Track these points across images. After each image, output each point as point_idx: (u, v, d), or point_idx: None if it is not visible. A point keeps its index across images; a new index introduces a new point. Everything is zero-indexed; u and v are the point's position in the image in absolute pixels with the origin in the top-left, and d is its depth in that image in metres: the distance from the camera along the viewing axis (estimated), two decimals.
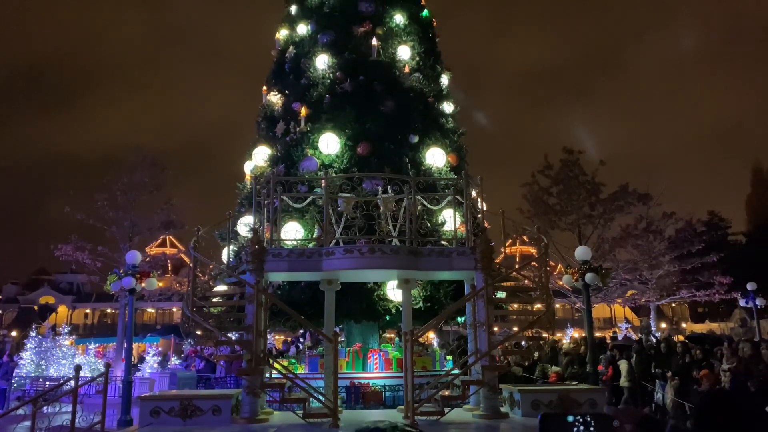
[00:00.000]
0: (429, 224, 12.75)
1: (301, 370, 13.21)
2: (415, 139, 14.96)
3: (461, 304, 10.68)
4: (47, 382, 20.59)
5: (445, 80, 17.10)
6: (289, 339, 23.13)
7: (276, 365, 10.22)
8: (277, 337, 26.79)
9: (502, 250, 13.34)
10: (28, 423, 10.73)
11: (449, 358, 15.00)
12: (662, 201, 27.03)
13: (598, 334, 23.08)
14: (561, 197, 25.98)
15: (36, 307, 55.11)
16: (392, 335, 20.59)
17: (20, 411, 13.58)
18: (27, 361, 21.92)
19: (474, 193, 12.86)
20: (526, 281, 12.56)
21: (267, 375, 9.90)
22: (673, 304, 44.19)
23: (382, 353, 13.74)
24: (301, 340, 22.38)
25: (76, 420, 9.47)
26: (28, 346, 22.78)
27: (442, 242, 11.92)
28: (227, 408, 9.06)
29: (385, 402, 12.41)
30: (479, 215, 11.93)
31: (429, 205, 12.03)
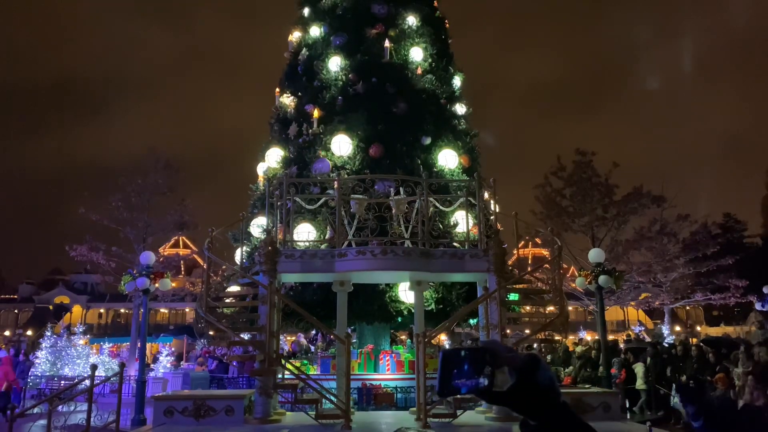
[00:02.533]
0: (441, 226, 12.72)
1: (313, 371, 13.25)
2: (428, 140, 14.95)
3: (474, 307, 10.66)
4: (62, 381, 20.83)
5: (457, 82, 17.08)
6: (304, 339, 23.19)
7: (288, 366, 10.25)
8: (288, 338, 26.90)
9: (515, 252, 13.29)
10: (43, 422, 10.84)
11: None
12: (677, 203, 26.78)
13: (611, 337, 22.91)
14: (574, 199, 25.80)
15: (51, 307, 55.71)
16: (404, 337, 20.58)
17: (36, 410, 13.74)
18: (42, 360, 22.19)
19: (486, 195, 12.83)
20: (539, 283, 12.51)
21: (279, 375, 9.94)
22: (688, 307, 43.78)
23: (393, 355, 13.74)
24: (303, 341, 22.48)
25: (91, 419, 9.55)
26: (43, 345, 23.05)
27: (455, 244, 11.88)
28: (240, 408, 9.10)
29: (396, 404, 12.39)
30: (492, 217, 11.89)
31: (441, 207, 12.01)
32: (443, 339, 26.49)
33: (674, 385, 11.58)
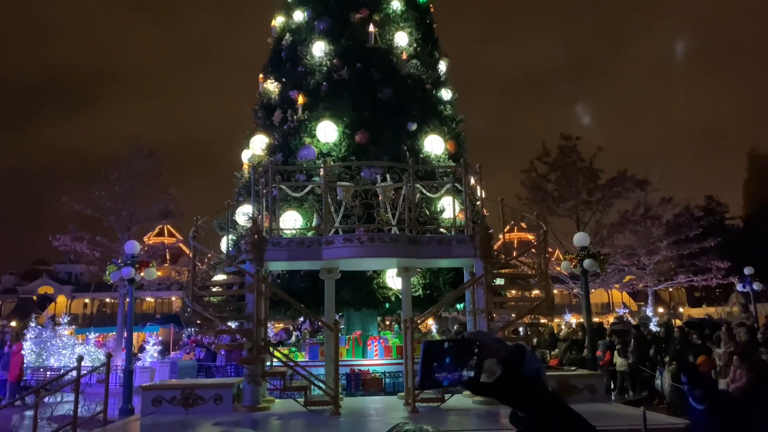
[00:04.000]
0: (428, 212, 12.75)
1: (302, 358, 13.28)
2: (414, 126, 14.90)
3: (461, 292, 10.72)
4: (48, 372, 20.70)
5: (443, 67, 17.01)
6: (291, 327, 23.23)
7: (277, 353, 10.26)
8: (276, 325, 26.90)
9: (501, 236, 13.37)
10: (30, 413, 10.77)
11: None
12: (660, 187, 27.09)
13: (595, 320, 23.22)
14: (559, 184, 26.01)
15: (35, 297, 55.09)
16: (392, 322, 20.67)
17: (20, 401, 13.64)
18: (27, 351, 21.97)
19: (473, 181, 12.85)
20: (524, 268, 12.61)
21: (268, 363, 9.94)
22: (671, 289, 44.43)
23: (381, 340, 13.81)
24: (299, 329, 22.49)
25: (79, 409, 9.50)
26: (28, 336, 22.83)
27: (441, 230, 11.92)
28: (229, 397, 9.11)
29: (385, 389, 12.48)
30: (478, 202, 11.93)
31: (428, 193, 12.02)
32: (430, 324, 26.65)
33: (679, 368, 11.71)
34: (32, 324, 23.52)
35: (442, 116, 15.86)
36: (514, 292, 12.03)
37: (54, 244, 23.57)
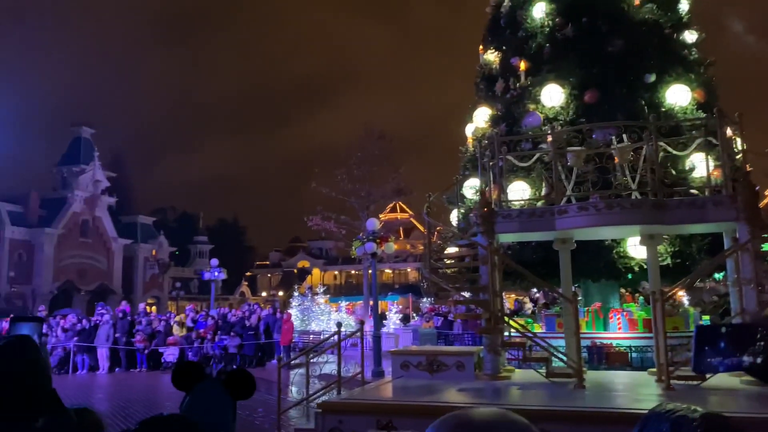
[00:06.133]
0: (674, 172, 11.45)
1: (538, 329, 13.11)
2: (651, 77, 13.44)
3: (720, 261, 9.47)
4: (311, 335, 23.85)
5: (684, 5, 14.97)
6: (527, 298, 23.14)
7: (513, 324, 10.26)
8: (510, 296, 27.02)
9: (767, 193, 11.49)
10: (302, 371, 12.52)
11: (706, 318, 13.48)
12: None
13: None
14: None
15: (295, 271, 63.64)
16: (639, 294, 19.19)
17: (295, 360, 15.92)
18: (294, 317, 25.61)
19: (730, 132, 11.17)
20: None
21: (506, 333, 10.01)
22: None
23: (625, 313, 12.96)
24: (533, 300, 22.19)
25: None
26: (293, 304, 26.56)
27: (692, 191, 10.62)
28: (470, 364, 9.39)
29: (632, 363, 11.74)
30: (738, 157, 10.32)
31: (674, 151, 10.79)
32: (681, 295, 24.16)
33: None
34: (295, 293, 27.31)
35: (686, 62, 14.00)
36: None
37: (308, 224, 26.87)
